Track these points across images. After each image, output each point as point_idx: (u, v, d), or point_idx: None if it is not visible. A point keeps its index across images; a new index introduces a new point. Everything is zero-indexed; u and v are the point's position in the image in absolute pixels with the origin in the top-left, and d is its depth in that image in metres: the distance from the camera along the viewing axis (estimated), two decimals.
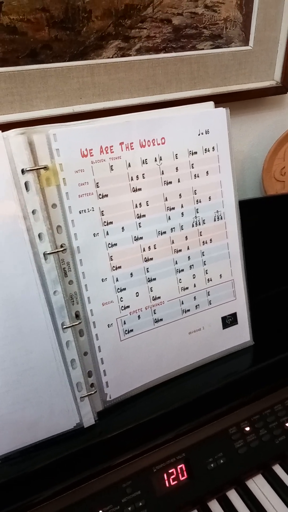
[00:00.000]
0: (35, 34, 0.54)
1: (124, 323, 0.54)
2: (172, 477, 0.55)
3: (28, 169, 0.44)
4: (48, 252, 0.46)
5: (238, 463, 0.58)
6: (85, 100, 0.60)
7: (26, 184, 0.44)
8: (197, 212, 0.56)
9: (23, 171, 0.44)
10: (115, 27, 0.58)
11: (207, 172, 0.55)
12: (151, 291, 0.55)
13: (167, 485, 0.54)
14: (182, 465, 0.56)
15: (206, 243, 0.58)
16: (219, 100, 0.63)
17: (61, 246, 0.48)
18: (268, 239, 0.68)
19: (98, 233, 0.50)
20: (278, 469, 0.60)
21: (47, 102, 0.58)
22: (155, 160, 0.52)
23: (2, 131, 0.43)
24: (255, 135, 0.79)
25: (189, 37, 0.64)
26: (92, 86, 0.60)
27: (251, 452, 0.59)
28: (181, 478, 0.55)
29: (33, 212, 0.45)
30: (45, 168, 0.45)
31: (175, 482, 0.55)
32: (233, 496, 0.56)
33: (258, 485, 0.58)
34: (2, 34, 0.52)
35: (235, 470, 0.57)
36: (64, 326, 0.48)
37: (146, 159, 0.51)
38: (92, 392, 0.51)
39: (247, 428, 0.60)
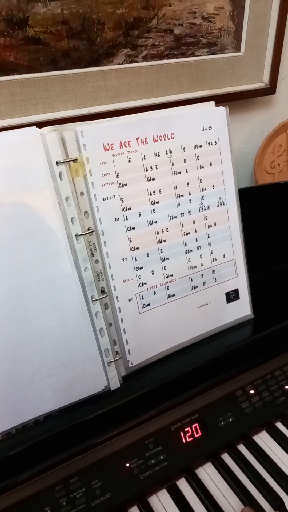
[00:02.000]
0: (56, 44, 0.60)
1: (142, 298, 0.60)
2: (188, 434, 0.62)
3: (61, 161, 0.50)
4: (79, 233, 0.53)
5: (245, 421, 0.65)
6: (99, 102, 0.67)
7: (60, 174, 0.51)
8: (203, 199, 0.63)
9: (57, 163, 0.50)
10: (124, 37, 0.65)
11: (210, 163, 0.63)
12: (165, 269, 0.62)
13: (184, 441, 0.61)
14: (197, 424, 0.63)
15: (211, 226, 0.65)
16: (215, 100, 0.69)
17: (88, 229, 0.54)
18: (262, 223, 0.75)
19: (118, 218, 0.57)
20: (280, 425, 0.67)
21: (66, 104, 0.64)
22: (166, 153, 0.59)
23: None
24: (247, 132, 0.87)
25: (188, 45, 0.71)
26: (105, 89, 0.66)
27: (256, 411, 0.66)
28: (196, 436, 0.62)
29: (66, 199, 0.51)
30: (75, 160, 0.52)
31: (191, 438, 0.62)
32: (243, 449, 0.64)
33: (263, 440, 0.65)
34: (28, 44, 0.58)
35: (243, 427, 0.65)
36: (94, 299, 0.55)
37: (158, 152, 0.58)
38: (117, 358, 0.57)
39: (252, 391, 0.67)
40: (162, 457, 0.59)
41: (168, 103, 0.72)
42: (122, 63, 0.66)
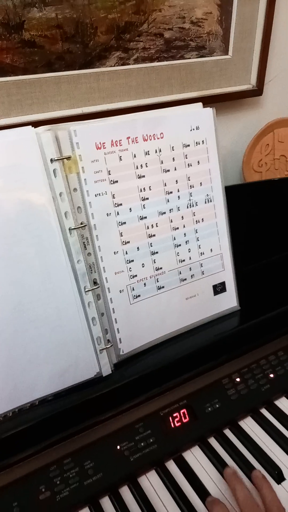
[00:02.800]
0: (51, 47, 0.63)
1: (133, 289, 0.63)
2: (177, 419, 0.65)
3: (55, 158, 0.53)
4: (72, 227, 0.56)
5: (231, 407, 0.68)
6: (92, 102, 0.70)
7: (54, 171, 0.53)
8: (191, 196, 0.66)
9: (51, 160, 0.53)
10: (116, 40, 0.68)
11: (198, 162, 0.66)
12: (154, 262, 0.65)
13: (172, 426, 0.64)
14: (185, 410, 0.66)
15: (199, 222, 0.68)
16: (204, 101, 0.72)
17: (81, 224, 0.57)
18: (249, 219, 0.78)
19: (110, 213, 0.60)
20: (265, 412, 0.70)
21: (60, 105, 0.67)
22: (156, 152, 0.62)
23: None
24: (235, 132, 0.90)
25: (178, 48, 0.74)
26: (97, 90, 0.69)
27: (242, 398, 0.69)
28: (184, 420, 0.65)
29: (60, 194, 0.54)
30: (68, 158, 0.55)
31: (179, 423, 0.65)
32: (229, 434, 0.67)
33: (249, 425, 0.68)
34: (24, 47, 0.61)
35: (229, 413, 0.68)
36: (86, 290, 0.57)
37: (148, 151, 0.61)
38: (109, 346, 0.60)
39: (238, 379, 0.71)
40: (151, 440, 0.62)
41: (159, 104, 0.75)
42: (114, 66, 0.69)
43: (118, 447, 0.60)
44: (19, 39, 0.60)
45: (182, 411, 0.65)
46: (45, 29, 0.62)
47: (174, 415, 0.65)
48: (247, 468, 0.60)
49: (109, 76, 0.69)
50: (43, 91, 0.65)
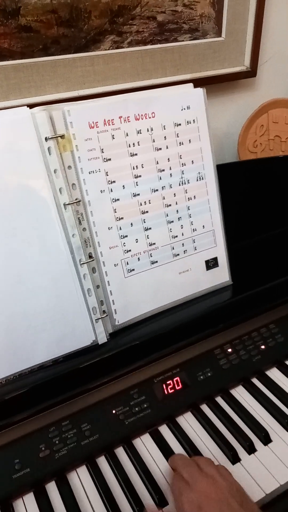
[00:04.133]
0: (46, 31, 0.66)
1: (127, 263, 0.66)
2: (170, 386, 0.68)
3: (50, 137, 0.56)
4: (67, 203, 0.58)
5: (223, 376, 0.71)
6: (87, 85, 0.72)
7: (49, 149, 0.56)
8: (183, 174, 0.68)
9: (46, 139, 0.56)
10: (110, 24, 0.70)
11: (189, 140, 0.68)
12: (148, 238, 0.67)
13: (166, 392, 0.67)
14: (178, 378, 0.69)
15: (191, 199, 0.70)
16: (198, 83, 0.74)
17: (76, 200, 0.60)
18: (240, 197, 0.81)
19: (104, 190, 0.62)
20: (255, 381, 0.73)
21: (56, 88, 0.70)
22: (148, 131, 0.64)
23: None
24: (230, 114, 0.92)
25: (171, 31, 0.76)
26: (93, 73, 0.72)
27: (233, 368, 0.72)
28: (177, 388, 0.68)
29: (55, 171, 0.57)
30: (62, 136, 0.57)
31: (172, 390, 0.68)
32: (220, 401, 0.70)
33: (240, 393, 0.71)
34: (21, 32, 0.64)
35: (221, 381, 0.71)
36: (81, 262, 0.61)
37: (140, 130, 0.63)
38: (104, 316, 0.64)
39: (229, 350, 0.73)
40: (145, 406, 0.65)
41: (153, 86, 0.77)
42: (108, 49, 0.72)
43: (114, 411, 0.64)
44: (16, 25, 0.63)
45: (175, 378, 0.68)
46: (41, 14, 0.64)
47: (168, 382, 0.68)
48: (234, 428, 0.63)
49: (104, 60, 0.72)
50: (40, 75, 0.68)
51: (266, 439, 0.63)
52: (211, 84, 0.83)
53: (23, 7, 0.62)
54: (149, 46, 0.75)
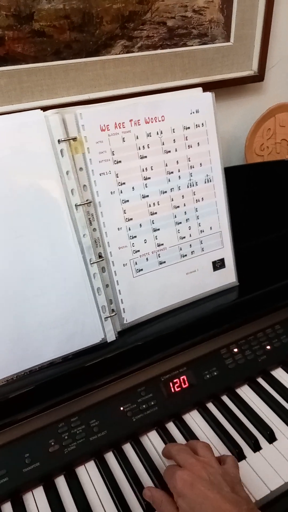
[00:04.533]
0: (59, 36, 0.67)
1: (136, 263, 0.67)
2: (177, 385, 0.69)
3: (62, 139, 0.57)
4: (78, 204, 0.60)
5: (229, 375, 0.72)
6: (98, 88, 0.74)
7: (61, 151, 0.58)
8: (191, 176, 0.70)
9: (59, 141, 0.57)
10: (121, 29, 0.71)
11: (198, 143, 0.69)
12: (156, 239, 0.69)
13: (172, 391, 0.68)
14: (184, 376, 0.70)
15: (199, 201, 0.71)
16: (207, 87, 0.75)
17: (87, 200, 0.61)
18: (249, 199, 0.82)
19: (114, 191, 0.64)
20: (261, 380, 0.74)
21: (68, 91, 0.71)
22: (157, 134, 0.65)
23: None
24: (237, 117, 0.93)
25: (180, 36, 0.77)
26: (103, 77, 0.73)
27: (239, 367, 0.73)
28: (184, 386, 0.69)
29: (67, 173, 0.58)
30: (74, 139, 0.59)
31: (179, 388, 0.69)
32: (226, 400, 0.71)
33: (245, 392, 0.72)
34: (34, 37, 0.65)
35: (227, 380, 0.72)
36: (92, 262, 0.62)
37: (150, 133, 0.65)
38: (113, 315, 0.65)
39: (235, 349, 0.74)
40: (152, 403, 0.66)
41: (162, 90, 0.78)
42: (119, 53, 0.73)
43: (122, 408, 0.65)
44: (30, 29, 0.64)
45: (182, 377, 0.69)
46: (54, 20, 0.65)
47: (175, 380, 0.69)
48: (239, 427, 0.64)
49: (114, 64, 0.73)
50: (52, 78, 0.69)
51: (271, 437, 0.64)
52: (219, 88, 0.84)
53: (37, 13, 0.64)
54: (159, 51, 0.76)
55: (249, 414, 0.67)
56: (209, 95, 0.69)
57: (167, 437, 0.64)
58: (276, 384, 0.73)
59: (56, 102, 0.70)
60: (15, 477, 0.57)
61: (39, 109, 0.56)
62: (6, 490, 0.57)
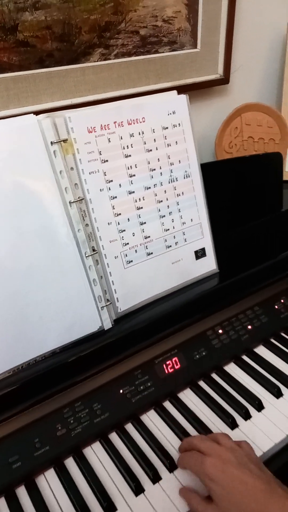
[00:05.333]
0: (42, 46, 0.71)
1: (126, 255, 0.72)
2: (169, 366, 0.74)
3: (55, 141, 0.61)
4: (72, 201, 0.63)
5: (216, 355, 0.77)
6: (79, 94, 0.77)
7: (54, 152, 0.61)
8: (171, 172, 0.75)
9: (51, 143, 0.61)
10: (98, 38, 0.76)
11: (176, 142, 0.74)
12: (143, 232, 0.73)
13: (166, 372, 0.73)
14: (176, 358, 0.75)
15: (180, 195, 0.76)
16: (178, 91, 0.80)
17: (79, 198, 0.65)
18: (222, 192, 0.87)
19: (103, 189, 0.68)
20: (245, 358, 0.80)
21: (52, 97, 0.75)
22: (139, 134, 0.70)
23: None
24: (207, 118, 0.99)
25: (152, 44, 0.82)
26: (84, 83, 0.77)
27: (225, 347, 0.78)
28: (176, 367, 0.74)
29: (60, 172, 0.62)
30: (65, 141, 0.63)
31: (172, 369, 0.73)
32: (216, 377, 0.76)
33: (232, 369, 0.78)
34: (18, 47, 0.69)
35: (214, 359, 0.77)
36: (87, 255, 0.66)
37: (132, 133, 0.69)
38: (108, 304, 0.69)
39: (220, 331, 0.80)
40: (149, 384, 0.70)
41: (138, 94, 0.83)
42: (97, 61, 0.77)
43: (121, 391, 0.69)
44: (14, 40, 0.68)
45: (174, 359, 0.74)
46: (36, 30, 0.69)
47: (167, 362, 0.74)
48: (230, 400, 0.70)
49: (93, 70, 0.77)
50: (37, 85, 0.72)
51: (259, 406, 0.69)
52: (189, 91, 0.90)
53: (21, 24, 0.67)
54: (133, 58, 0.81)
55: (238, 388, 0.73)
56: (183, 97, 0.74)
57: (165, 415, 0.69)
58: (259, 359, 0.79)
59: (41, 108, 0.74)
60: (27, 461, 0.60)
61: (32, 114, 0.59)
62: (19, 474, 0.59)
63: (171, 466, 0.61)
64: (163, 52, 0.84)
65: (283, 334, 0.84)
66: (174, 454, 0.63)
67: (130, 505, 0.57)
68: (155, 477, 0.60)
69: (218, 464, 0.52)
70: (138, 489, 0.58)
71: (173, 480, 0.60)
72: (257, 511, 0.48)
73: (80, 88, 0.77)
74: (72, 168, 0.64)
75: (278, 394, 0.71)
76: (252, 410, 0.69)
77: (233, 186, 0.87)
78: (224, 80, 0.94)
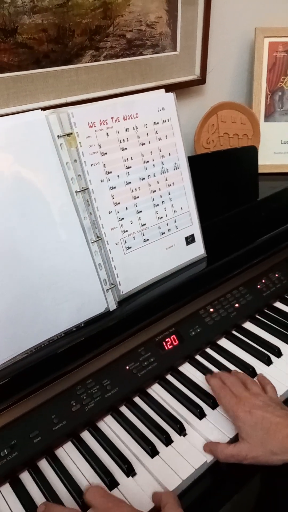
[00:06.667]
0: (39, 47, 0.74)
1: (125, 242, 0.76)
2: (169, 343, 0.79)
3: (61, 135, 0.65)
4: (77, 190, 0.67)
5: (209, 331, 0.83)
6: (73, 93, 0.81)
7: (61, 145, 0.65)
8: (163, 164, 0.80)
9: (58, 137, 0.64)
10: (89, 41, 0.80)
11: (166, 136, 0.79)
12: (140, 219, 0.77)
13: (166, 348, 0.78)
14: (174, 335, 0.80)
15: (170, 185, 0.81)
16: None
17: (83, 188, 0.69)
18: (205, 184, 0.93)
19: (103, 180, 0.72)
20: (235, 332, 0.86)
21: (48, 95, 0.78)
22: (134, 129, 0.74)
23: None
24: (186, 116, 1.05)
25: (137, 46, 0.87)
26: (77, 83, 0.81)
27: (216, 324, 0.84)
28: (175, 343, 0.79)
29: (66, 163, 0.66)
30: (69, 135, 0.66)
31: (171, 346, 0.78)
32: (210, 351, 0.82)
33: (224, 343, 0.84)
34: (18, 48, 0.72)
35: (208, 335, 0.83)
36: (92, 241, 0.69)
37: (128, 128, 0.74)
38: (112, 287, 0.73)
39: (211, 309, 0.86)
40: (152, 360, 0.75)
41: (126, 93, 0.88)
42: (88, 62, 0.81)
43: (127, 367, 0.73)
44: (14, 41, 0.71)
45: (172, 336, 0.79)
46: (34, 33, 0.72)
47: (167, 340, 0.78)
48: (226, 370, 0.76)
49: (86, 71, 0.81)
50: (34, 84, 0.75)
51: (253, 373, 0.75)
52: (171, 91, 0.95)
53: (20, 27, 0.70)
54: (120, 59, 0.86)
55: (232, 358, 0.79)
56: (171, 95, 0.79)
57: (169, 386, 0.74)
58: (247, 333, 0.85)
59: (38, 106, 0.77)
60: (47, 435, 0.63)
61: (40, 110, 0.63)
62: (40, 447, 0.62)
63: (181, 430, 0.66)
64: (146, 54, 0.89)
65: (266, 310, 0.91)
66: (182, 419, 0.67)
67: (147, 466, 0.61)
68: (168, 440, 0.64)
69: (247, 409, 0.61)
70: (153, 452, 0.63)
71: (184, 441, 0.64)
72: (282, 440, 0.57)
73: (74, 88, 0.81)
74: (75, 160, 0.68)
75: (268, 362, 0.78)
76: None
77: (215, 177, 0.93)
78: (201, 80, 1.00)
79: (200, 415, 0.68)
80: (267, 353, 0.79)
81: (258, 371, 0.76)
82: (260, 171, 1.00)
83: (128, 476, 0.60)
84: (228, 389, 0.66)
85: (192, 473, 0.60)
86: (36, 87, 0.76)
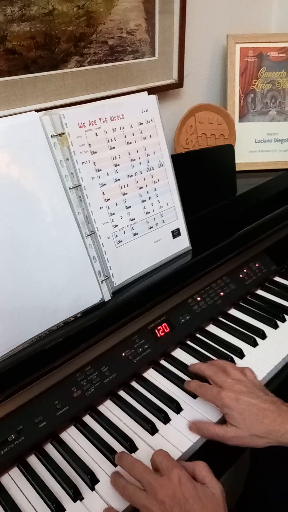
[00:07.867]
0: (27, 54, 0.77)
1: (116, 236, 0.79)
2: (161, 330, 0.82)
3: (54, 135, 0.68)
4: (71, 187, 0.70)
5: (197, 318, 0.87)
6: (60, 97, 0.84)
7: (54, 144, 0.68)
8: (148, 162, 0.83)
9: (51, 136, 0.67)
10: (74, 47, 0.83)
11: (150, 136, 0.83)
12: (129, 214, 0.81)
13: (158, 335, 0.81)
14: (165, 323, 0.83)
15: (156, 182, 0.85)
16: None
17: (75, 185, 0.72)
18: (187, 181, 0.98)
19: (94, 177, 0.75)
20: (221, 318, 0.90)
21: (36, 99, 0.81)
22: (120, 129, 0.78)
23: None
24: (165, 118, 1.08)
25: (119, 52, 0.91)
26: (64, 87, 0.84)
27: (204, 311, 0.88)
28: (166, 331, 0.82)
29: (60, 161, 0.69)
30: (61, 134, 0.69)
31: (163, 333, 0.82)
32: (200, 336, 0.86)
33: (212, 329, 0.88)
34: (7, 54, 0.74)
35: (196, 322, 0.86)
36: (86, 235, 0.72)
37: (115, 128, 0.77)
38: (106, 278, 0.76)
39: (198, 298, 0.89)
40: (146, 347, 0.78)
41: (109, 96, 0.91)
42: (74, 67, 0.85)
43: (123, 354, 0.76)
44: (4, 48, 0.73)
45: (163, 324, 0.83)
46: (22, 40, 0.75)
47: (159, 327, 0.82)
48: (216, 353, 0.80)
49: (71, 75, 0.84)
50: (24, 89, 0.78)
51: (241, 354, 0.80)
52: (151, 93, 0.99)
53: (9, 34, 0.73)
54: (103, 65, 0.89)
55: (220, 342, 0.83)
56: (153, 97, 0.83)
57: (163, 370, 0.77)
58: (232, 319, 0.89)
59: (28, 109, 0.79)
60: (51, 420, 0.65)
61: (34, 111, 0.65)
62: (45, 432, 0.65)
63: (178, 409, 0.69)
64: (127, 60, 0.93)
65: (249, 298, 0.96)
66: (178, 399, 0.71)
67: (148, 443, 0.64)
68: (166, 419, 0.68)
69: (232, 396, 0.63)
70: (153, 430, 0.66)
71: (181, 419, 0.68)
72: (269, 425, 0.59)
73: (61, 92, 0.84)
74: (67, 159, 0.71)
75: (254, 343, 0.82)
76: (236, 358, 0.79)
77: (197, 174, 0.98)
78: (179, 84, 1.04)
79: (194, 395, 0.71)
80: (253, 336, 0.84)
81: (245, 353, 0.80)
82: (236, 169, 1.05)
83: (131, 453, 0.63)
84: (206, 385, 0.68)
85: (190, 446, 0.64)
86: (25, 91, 0.79)
